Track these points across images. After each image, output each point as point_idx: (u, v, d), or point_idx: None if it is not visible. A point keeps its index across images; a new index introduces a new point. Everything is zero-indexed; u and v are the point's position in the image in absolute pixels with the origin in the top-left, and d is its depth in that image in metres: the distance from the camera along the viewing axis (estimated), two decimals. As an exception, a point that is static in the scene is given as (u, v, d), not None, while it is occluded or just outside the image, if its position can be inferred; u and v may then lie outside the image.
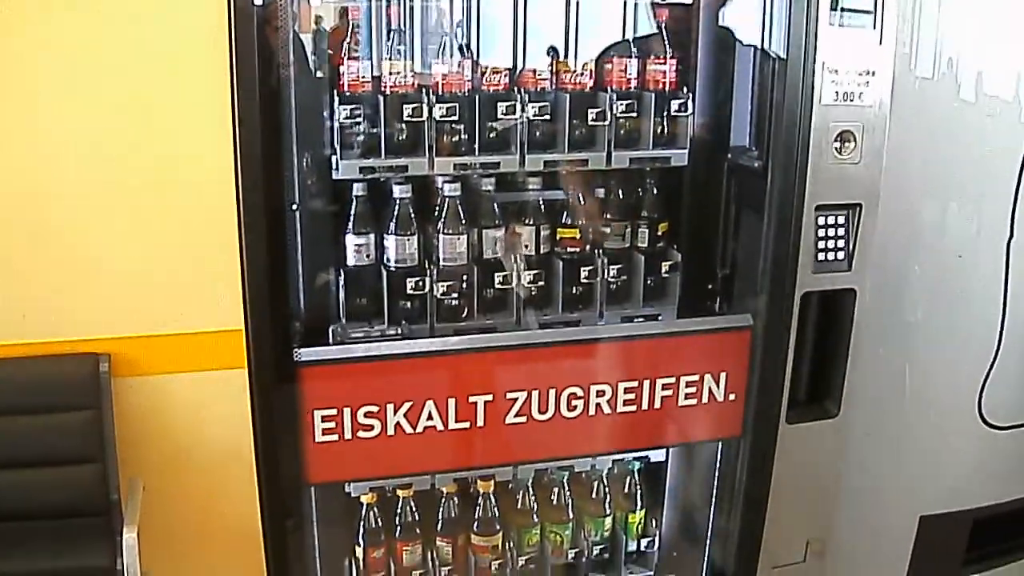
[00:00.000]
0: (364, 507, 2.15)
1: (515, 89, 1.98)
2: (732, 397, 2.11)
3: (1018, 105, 2.13)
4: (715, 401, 2.11)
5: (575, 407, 2.04)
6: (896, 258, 2.10)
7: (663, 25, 2.02)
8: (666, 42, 2.02)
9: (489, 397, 1.99)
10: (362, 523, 2.16)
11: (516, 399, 2.00)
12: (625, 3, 2.09)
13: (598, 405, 2.05)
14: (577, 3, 2.05)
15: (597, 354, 2.07)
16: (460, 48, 1.98)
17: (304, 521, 2.06)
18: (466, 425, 1.99)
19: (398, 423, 1.95)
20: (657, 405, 2.08)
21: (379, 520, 2.17)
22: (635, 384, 2.06)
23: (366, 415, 1.93)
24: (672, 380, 2.07)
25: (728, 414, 2.13)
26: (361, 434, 1.93)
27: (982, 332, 2.24)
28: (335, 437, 1.92)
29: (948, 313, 2.22)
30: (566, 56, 2.05)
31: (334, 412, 1.91)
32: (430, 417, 1.97)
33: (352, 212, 1.96)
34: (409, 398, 1.95)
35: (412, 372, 1.97)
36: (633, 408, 2.07)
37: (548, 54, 2.03)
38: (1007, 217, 2.16)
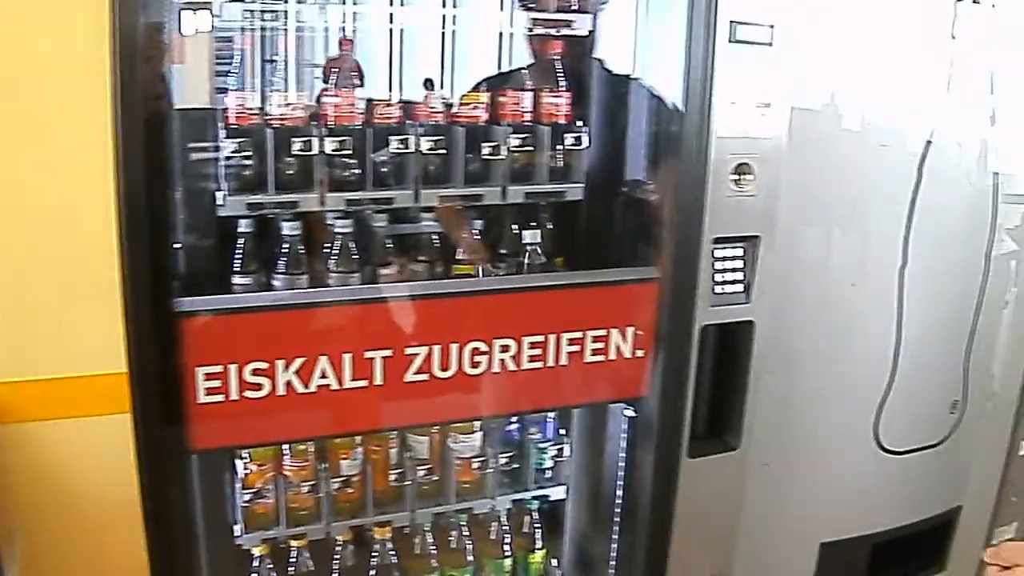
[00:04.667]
0: (256, 559, 2.23)
1: (407, 122, 2.10)
2: (640, 353, 2.23)
3: (905, 135, 2.34)
4: (623, 357, 2.21)
5: (479, 363, 2.11)
6: (790, 288, 2.29)
7: (558, 58, 2.18)
8: (560, 75, 2.18)
9: (388, 353, 2.03)
10: (254, 576, 2.26)
11: (416, 355, 2.05)
12: (501, 35, 2.25)
13: (502, 361, 2.12)
14: (453, 34, 2.21)
15: (500, 307, 2.14)
16: (337, 82, 2.08)
17: (194, 573, 2.13)
18: (363, 384, 2.03)
19: (289, 381, 1.97)
20: (563, 361, 2.16)
21: (272, 572, 2.26)
22: (540, 339, 2.14)
23: (254, 372, 1.94)
24: (578, 335, 2.17)
25: (635, 373, 2.24)
26: (249, 394, 1.94)
27: (877, 358, 2.46)
28: (220, 397, 1.93)
29: (843, 341, 2.43)
30: (442, 88, 2.20)
31: (219, 369, 1.91)
32: (324, 375, 1.99)
33: (238, 251, 2.04)
34: (301, 354, 1.97)
35: (304, 325, 2.00)
36: (539, 364, 2.15)
37: (425, 86, 2.16)
38: (899, 244, 2.38)
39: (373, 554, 2.36)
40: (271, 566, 2.27)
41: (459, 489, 2.38)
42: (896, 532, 2.67)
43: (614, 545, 2.46)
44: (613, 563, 2.48)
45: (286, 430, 2.10)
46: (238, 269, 2.05)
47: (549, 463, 2.48)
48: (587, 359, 2.20)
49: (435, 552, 2.44)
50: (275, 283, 2.06)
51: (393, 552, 2.36)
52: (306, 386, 1.99)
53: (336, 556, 2.34)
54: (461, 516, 2.43)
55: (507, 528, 2.51)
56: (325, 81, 2.09)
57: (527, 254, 2.24)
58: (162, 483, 1.97)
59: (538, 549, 2.54)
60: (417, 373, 2.07)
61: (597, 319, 2.19)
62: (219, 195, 1.98)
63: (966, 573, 2.84)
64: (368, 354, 2.02)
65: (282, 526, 2.24)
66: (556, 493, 2.51)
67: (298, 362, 1.97)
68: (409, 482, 2.31)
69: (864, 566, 2.67)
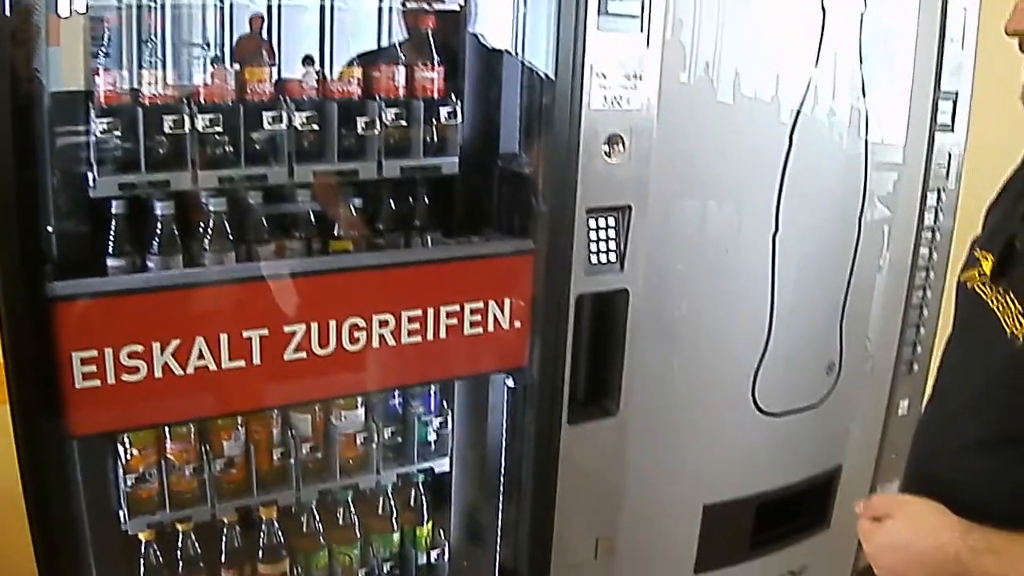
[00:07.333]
0: (142, 544, 2.28)
1: (281, 98, 2.15)
2: (518, 325, 2.32)
3: (777, 105, 2.46)
4: (501, 329, 2.31)
5: (357, 339, 2.17)
6: (664, 256, 2.40)
7: (430, 32, 2.26)
8: (433, 49, 2.26)
9: (264, 332, 2.08)
10: (142, 561, 2.29)
11: (294, 333, 2.11)
12: (380, 10, 2.33)
13: (382, 336, 2.20)
14: (332, 10, 2.27)
15: (377, 282, 2.21)
16: (215, 59, 2.16)
17: (81, 562, 2.17)
18: (241, 364, 2.08)
19: (166, 363, 2.01)
20: (443, 334, 2.25)
21: (159, 557, 2.31)
22: (419, 313, 2.21)
23: (130, 355, 1.97)
24: (456, 308, 2.25)
25: (514, 343, 2.34)
26: (126, 377, 1.97)
27: (752, 323, 2.58)
28: (97, 382, 1.95)
29: (718, 306, 2.54)
30: (322, 64, 2.26)
31: (94, 354, 1.94)
32: (201, 356, 2.04)
33: (112, 233, 2.07)
34: (176, 335, 2.01)
35: (179, 306, 2.04)
36: (418, 339, 2.23)
37: (304, 63, 2.22)
38: (771, 212, 2.50)
39: (260, 535, 2.42)
40: (158, 551, 2.31)
41: (344, 465, 2.45)
42: (778, 493, 2.81)
43: (500, 515, 2.56)
44: (500, 532, 2.58)
45: (167, 412, 2.14)
46: (112, 251, 2.08)
47: (433, 436, 2.57)
48: (466, 332, 2.28)
49: (322, 530, 2.52)
50: (149, 264, 2.09)
51: (280, 532, 2.42)
52: (183, 368, 2.03)
53: (223, 538, 2.39)
54: (347, 492, 2.50)
55: (394, 503, 2.60)
56: (235, 60, 2.15)
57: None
58: (44, 471, 2.00)
59: (426, 522, 2.64)
60: (296, 351, 2.13)
61: (475, 291, 2.28)
62: (91, 177, 2.00)
63: (849, 530, 2.98)
64: (245, 334, 2.08)
65: (167, 510, 2.28)
66: (441, 466, 2.60)
67: (174, 344, 2.02)
68: (293, 461, 2.37)
69: (748, 526, 2.80)
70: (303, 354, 2.14)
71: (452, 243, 2.38)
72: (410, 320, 2.23)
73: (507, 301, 2.31)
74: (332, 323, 2.15)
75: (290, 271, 2.16)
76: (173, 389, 2.04)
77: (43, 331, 1.91)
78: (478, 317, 2.29)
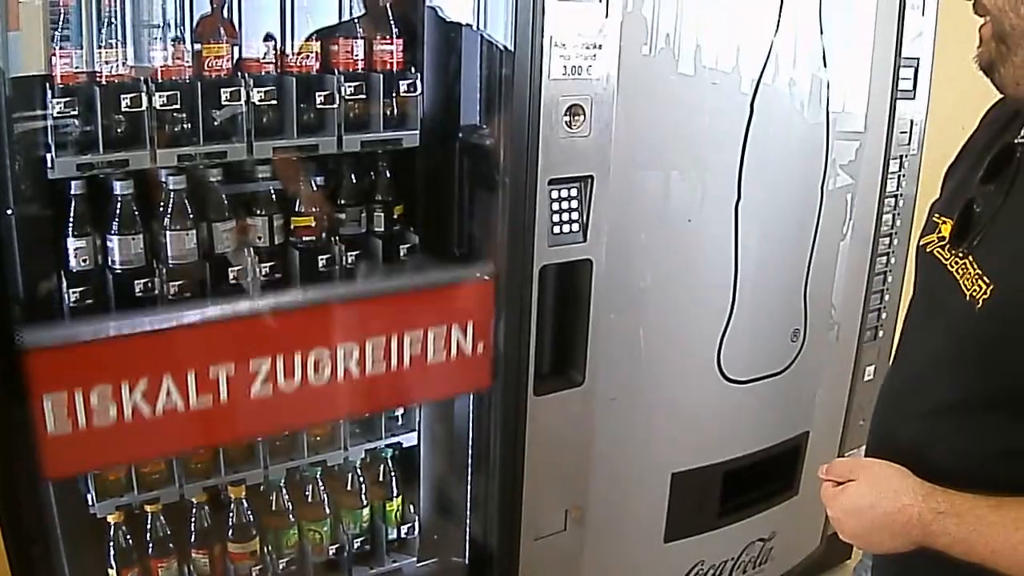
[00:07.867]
0: (112, 527, 2.28)
1: (238, 74, 2.15)
2: (481, 348, 2.35)
3: (738, 76, 2.46)
4: (464, 353, 2.33)
5: (323, 371, 2.19)
6: (628, 226, 2.40)
7: (388, 5, 2.25)
8: (392, 22, 2.26)
9: (231, 369, 2.09)
10: (112, 544, 2.29)
11: (260, 369, 2.11)
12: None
13: (346, 368, 2.21)
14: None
15: (339, 315, 2.23)
16: (175, 39, 2.13)
17: (51, 547, 2.14)
18: (209, 401, 2.08)
19: (135, 406, 2.01)
20: (407, 362, 2.27)
21: (129, 539, 2.30)
22: (382, 341, 2.23)
23: (100, 400, 1.97)
24: (419, 334, 2.27)
25: (478, 365, 2.36)
26: (97, 421, 1.98)
27: (716, 291, 2.59)
28: (68, 428, 1.95)
29: (682, 275, 2.55)
30: (283, 42, 2.24)
31: (64, 398, 1.93)
32: (169, 396, 2.04)
33: (71, 214, 2.07)
34: (144, 376, 2.00)
35: (145, 350, 2.04)
36: (383, 367, 2.25)
37: (265, 41, 2.20)
38: (734, 181, 2.50)
39: (229, 514, 2.42)
40: (127, 533, 2.31)
41: (311, 442, 2.46)
42: (746, 459, 2.83)
43: (470, 488, 2.57)
44: (470, 505, 2.59)
45: (138, 452, 2.17)
46: (72, 233, 2.08)
47: (400, 410, 2.59)
48: (431, 358, 2.30)
49: (292, 508, 2.52)
50: (109, 244, 2.10)
51: (249, 510, 2.43)
52: (153, 410, 2.03)
53: (192, 518, 2.39)
54: (315, 469, 2.50)
55: (362, 478, 2.60)
56: (197, 40, 2.14)
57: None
58: (12, 463, 1.99)
59: (395, 497, 2.64)
60: (263, 385, 2.13)
61: (437, 318, 2.30)
62: (49, 158, 1.99)
63: (818, 496, 2.97)
64: (212, 373, 2.08)
65: (135, 492, 2.28)
66: (409, 440, 2.61)
67: (142, 386, 2.01)
68: (260, 439, 2.37)
69: (717, 493, 2.82)
70: (269, 388, 2.14)
71: (414, 270, 2.43)
72: (374, 349, 2.24)
73: (469, 325, 2.33)
74: (297, 356, 2.16)
75: (253, 310, 2.17)
76: (144, 430, 2.04)
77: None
78: (441, 343, 2.32)
